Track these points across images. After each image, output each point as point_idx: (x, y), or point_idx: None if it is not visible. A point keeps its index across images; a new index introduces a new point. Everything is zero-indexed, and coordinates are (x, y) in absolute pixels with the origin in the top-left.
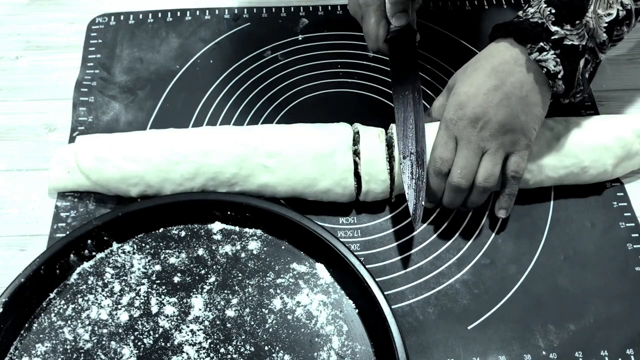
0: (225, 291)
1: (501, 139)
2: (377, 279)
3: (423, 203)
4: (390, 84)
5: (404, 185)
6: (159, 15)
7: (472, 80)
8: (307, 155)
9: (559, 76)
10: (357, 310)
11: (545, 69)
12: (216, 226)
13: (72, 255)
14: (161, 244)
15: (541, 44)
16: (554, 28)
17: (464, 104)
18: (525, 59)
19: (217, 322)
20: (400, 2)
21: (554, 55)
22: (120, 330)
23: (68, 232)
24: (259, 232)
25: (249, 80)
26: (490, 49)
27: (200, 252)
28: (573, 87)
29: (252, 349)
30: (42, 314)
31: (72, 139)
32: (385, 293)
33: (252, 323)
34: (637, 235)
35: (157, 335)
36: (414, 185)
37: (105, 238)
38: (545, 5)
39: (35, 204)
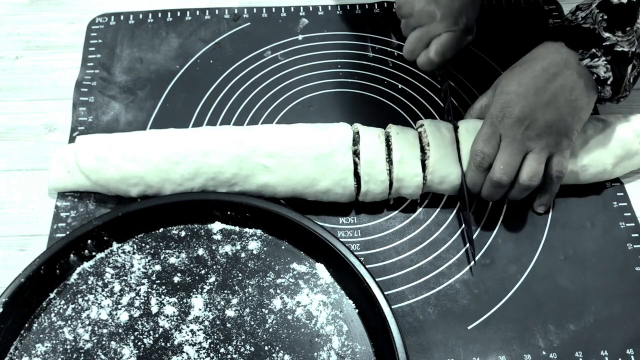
0: (225, 291)
1: (546, 139)
2: (377, 279)
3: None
4: (389, 84)
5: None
6: (159, 15)
7: (521, 80)
8: (307, 155)
9: (609, 82)
10: (357, 310)
11: (595, 75)
12: (216, 226)
13: (72, 255)
14: (161, 244)
15: (593, 50)
16: (605, 34)
17: (511, 102)
18: (575, 63)
19: (217, 322)
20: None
21: (605, 62)
22: (120, 330)
23: (68, 232)
24: (259, 232)
25: (249, 80)
26: (539, 50)
27: (200, 252)
28: (620, 92)
29: (252, 349)
30: (42, 314)
31: (72, 139)
32: (385, 293)
33: (252, 323)
34: (637, 235)
35: (157, 335)
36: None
37: (105, 238)
38: (598, 10)
39: (35, 204)
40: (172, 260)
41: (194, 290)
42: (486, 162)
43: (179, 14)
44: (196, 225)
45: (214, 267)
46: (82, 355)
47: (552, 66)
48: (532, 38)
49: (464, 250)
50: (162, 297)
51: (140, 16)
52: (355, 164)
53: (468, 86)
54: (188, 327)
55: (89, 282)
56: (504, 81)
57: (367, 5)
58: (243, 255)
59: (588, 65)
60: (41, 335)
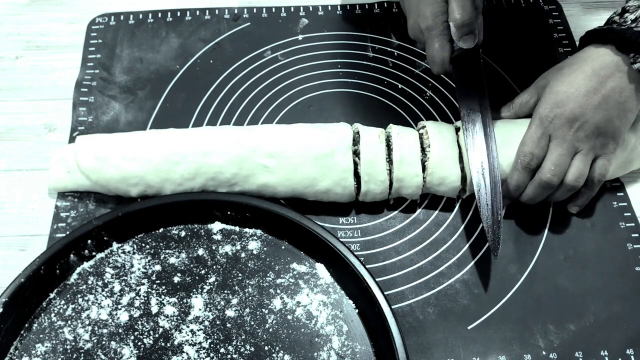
0: (225, 291)
1: (594, 141)
2: (377, 279)
3: (500, 236)
4: (389, 84)
5: (482, 217)
6: (159, 15)
7: (571, 80)
8: (307, 155)
9: None
10: (357, 310)
11: None
12: (216, 226)
13: (72, 255)
14: (161, 244)
15: None
16: None
17: (562, 103)
18: (626, 66)
19: (217, 322)
20: (467, 25)
21: None
22: (120, 330)
23: (68, 232)
24: (259, 232)
25: (249, 80)
26: (588, 52)
27: (200, 252)
28: None
29: (252, 349)
30: (42, 314)
31: (72, 139)
32: (385, 293)
33: (252, 323)
34: (637, 235)
35: (157, 335)
36: (490, 215)
37: (105, 238)
38: None
39: (35, 204)
40: (172, 260)
41: (194, 290)
42: (534, 163)
43: (179, 14)
44: (196, 225)
45: (214, 267)
46: (82, 355)
47: (603, 68)
48: (532, 38)
49: (485, 247)
50: (162, 297)
51: (140, 16)
52: (355, 164)
53: None
54: (188, 327)
55: (89, 282)
56: (553, 81)
57: (367, 5)
58: (243, 255)
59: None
60: (41, 335)
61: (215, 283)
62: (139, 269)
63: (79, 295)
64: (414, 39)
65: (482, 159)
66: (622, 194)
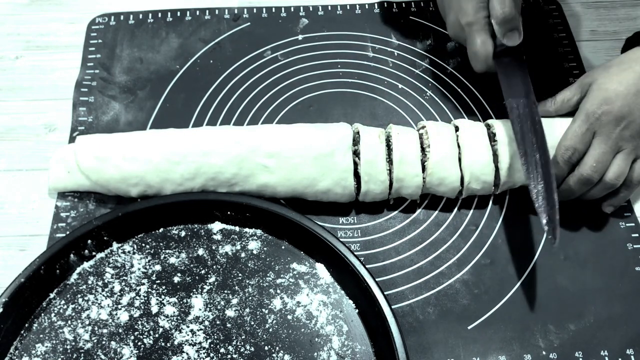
0: (225, 291)
1: (638, 141)
2: (377, 279)
3: (558, 217)
4: (389, 84)
5: (535, 203)
6: (159, 15)
7: (621, 79)
8: (307, 155)
9: None
10: (357, 310)
11: None
12: (216, 226)
13: (72, 255)
14: (161, 244)
15: None
16: None
17: (611, 100)
18: None
19: (217, 322)
20: (509, 20)
21: None
22: (120, 330)
23: (68, 232)
24: (259, 232)
25: (249, 80)
26: (638, 53)
27: (200, 252)
28: None
29: (252, 349)
30: (42, 314)
31: (72, 139)
32: (385, 293)
33: (252, 323)
34: (637, 235)
35: (157, 335)
36: (544, 202)
37: (105, 238)
38: None
39: (35, 204)
40: (172, 260)
41: (194, 290)
42: (575, 158)
43: (179, 14)
44: (196, 225)
45: (214, 267)
46: (82, 355)
47: None
48: (532, 38)
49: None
50: (162, 297)
51: (140, 16)
52: (355, 164)
53: (468, 86)
54: (188, 327)
55: (89, 282)
56: (601, 79)
57: (367, 5)
58: (243, 255)
59: None
60: (41, 335)
61: (215, 283)
62: (139, 269)
63: (79, 295)
64: (454, 38)
65: (536, 153)
66: None
